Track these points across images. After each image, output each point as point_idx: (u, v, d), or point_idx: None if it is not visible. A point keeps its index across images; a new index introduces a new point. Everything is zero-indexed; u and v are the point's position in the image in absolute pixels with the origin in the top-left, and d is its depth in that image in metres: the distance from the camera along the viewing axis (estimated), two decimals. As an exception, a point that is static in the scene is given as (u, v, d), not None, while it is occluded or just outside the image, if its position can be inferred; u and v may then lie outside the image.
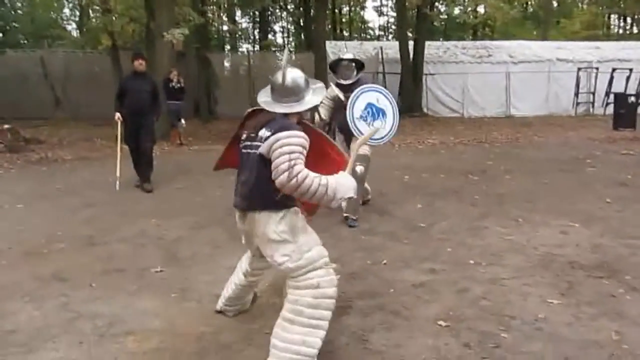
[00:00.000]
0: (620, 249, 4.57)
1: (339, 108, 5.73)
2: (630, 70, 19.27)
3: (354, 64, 5.86)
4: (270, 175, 2.61)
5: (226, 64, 24.43)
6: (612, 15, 37.79)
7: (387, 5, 37.74)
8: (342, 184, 2.68)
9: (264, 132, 2.72)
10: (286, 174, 2.52)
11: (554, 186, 7.20)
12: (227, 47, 34.60)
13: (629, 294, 3.62)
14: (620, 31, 38.60)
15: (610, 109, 16.25)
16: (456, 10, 28.29)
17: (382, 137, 5.42)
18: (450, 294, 3.69)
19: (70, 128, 16.42)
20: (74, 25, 31.96)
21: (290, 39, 40.22)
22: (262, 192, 2.71)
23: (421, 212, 5.97)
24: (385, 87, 6.09)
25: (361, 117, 5.36)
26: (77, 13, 29.98)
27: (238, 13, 32.98)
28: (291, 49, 36.93)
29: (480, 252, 4.54)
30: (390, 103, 5.47)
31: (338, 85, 5.83)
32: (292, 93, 2.83)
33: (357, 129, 5.32)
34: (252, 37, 38.20)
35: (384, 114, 5.43)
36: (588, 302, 3.50)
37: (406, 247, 4.78)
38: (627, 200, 6.26)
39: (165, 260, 4.54)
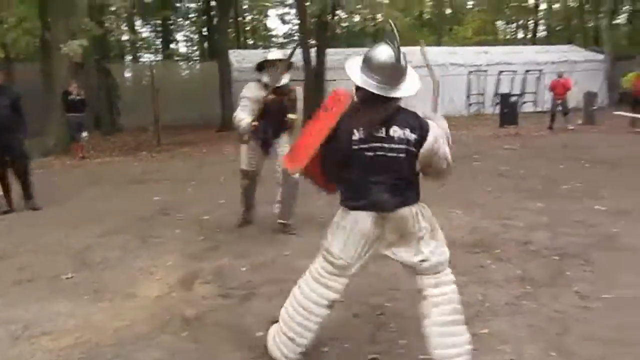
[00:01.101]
0: (493, 228, 5.24)
1: (267, 110, 5.03)
2: (514, 72, 21.00)
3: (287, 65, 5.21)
4: (414, 168, 2.61)
5: (127, 74, 23.99)
6: (500, 22, 40.64)
7: (290, 14, 38.41)
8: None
9: (399, 132, 2.54)
10: (449, 161, 2.67)
11: (443, 179, 7.89)
12: (129, 57, 33.86)
13: (494, 264, 4.24)
14: (508, 36, 41.55)
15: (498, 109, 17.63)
16: (356, 18, 29.36)
17: None
18: (345, 275, 4.12)
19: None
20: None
21: (194, 47, 39.91)
22: (412, 188, 2.65)
23: (321, 207, 6.38)
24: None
25: None
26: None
27: (138, 22, 32.34)
28: (195, 58, 36.71)
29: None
30: None
31: (268, 86, 5.08)
32: (403, 73, 2.55)
33: None
34: (154, 47, 37.53)
35: None
36: (462, 272, 4.02)
37: (308, 239, 5.16)
38: (504, 189, 7.05)
39: (76, 266, 4.66)
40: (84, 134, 12.23)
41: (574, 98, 15.79)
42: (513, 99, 16.27)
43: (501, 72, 20.97)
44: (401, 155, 2.55)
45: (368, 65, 2.53)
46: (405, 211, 2.60)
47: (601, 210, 5.87)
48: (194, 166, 10.45)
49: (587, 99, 16.33)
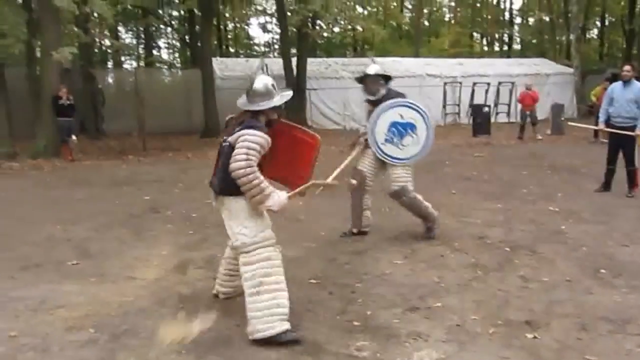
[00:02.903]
0: (454, 224, 5.87)
1: None
2: (488, 84, 21.83)
3: (381, 79, 5.34)
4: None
5: (110, 80, 24.30)
6: (475, 34, 41.83)
7: (271, 23, 39.03)
8: (274, 198, 3.23)
9: (237, 130, 3.29)
10: (242, 163, 3.10)
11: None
12: (110, 62, 34.11)
13: (453, 254, 4.85)
14: (486, 48, 42.71)
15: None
16: (336, 29, 30.07)
17: (416, 153, 5.31)
18: (320, 262, 4.71)
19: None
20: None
21: (176, 55, 40.28)
22: (229, 180, 3.20)
23: (301, 207, 6.93)
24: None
25: (386, 140, 5.22)
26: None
27: (121, 29, 32.67)
28: (177, 65, 37.09)
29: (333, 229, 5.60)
30: (420, 113, 5.24)
31: (368, 101, 5.47)
32: (261, 95, 3.36)
33: (385, 154, 5.25)
34: (136, 53, 37.82)
35: (412, 127, 5.21)
36: (423, 260, 4.66)
37: (282, 233, 5.65)
38: (467, 191, 7.70)
39: (79, 255, 5.14)
40: (74, 137, 12.65)
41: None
42: (485, 109, 17.02)
43: (475, 83, 21.77)
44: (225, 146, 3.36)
45: (246, 90, 3.48)
46: (220, 198, 3.41)
47: (553, 211, 6.53)
48: (180, 170, 10.92)
49: (555, 110, 17.17)
